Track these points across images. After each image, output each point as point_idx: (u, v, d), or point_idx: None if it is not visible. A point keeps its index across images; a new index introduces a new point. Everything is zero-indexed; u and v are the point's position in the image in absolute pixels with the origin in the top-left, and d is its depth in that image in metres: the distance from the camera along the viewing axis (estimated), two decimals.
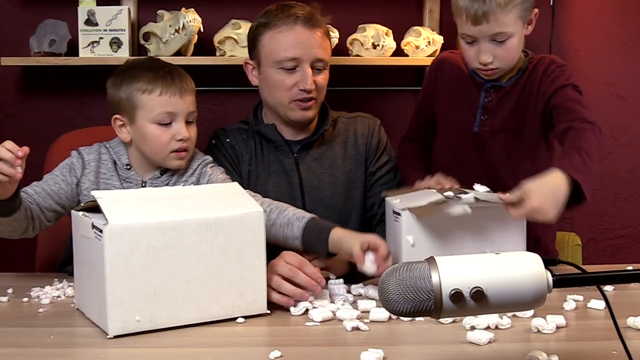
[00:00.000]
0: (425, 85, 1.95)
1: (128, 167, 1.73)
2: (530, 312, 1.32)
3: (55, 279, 1.62)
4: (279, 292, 1.41)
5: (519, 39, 1.71)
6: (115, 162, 1.73)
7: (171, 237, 1.29)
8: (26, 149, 1.40)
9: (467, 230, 1.50)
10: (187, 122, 1.71)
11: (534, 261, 0.90)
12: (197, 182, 1.73)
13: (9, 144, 1.39)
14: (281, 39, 1.74)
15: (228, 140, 1.83)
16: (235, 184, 1.49)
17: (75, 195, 1.70)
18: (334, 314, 1.35)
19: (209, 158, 1.79)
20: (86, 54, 2.35)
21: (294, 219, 1.59)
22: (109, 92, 1.73)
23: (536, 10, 1.72)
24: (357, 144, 1.87)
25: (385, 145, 1.90)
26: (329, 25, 2.41)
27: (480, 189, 1.54)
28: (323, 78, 1.80)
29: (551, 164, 1.61)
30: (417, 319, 1.31)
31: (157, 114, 1.66)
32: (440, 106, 1.88)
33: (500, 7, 1.64)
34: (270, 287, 1.41)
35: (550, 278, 0.90)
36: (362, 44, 2.44)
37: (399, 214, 1.52)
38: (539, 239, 1.83)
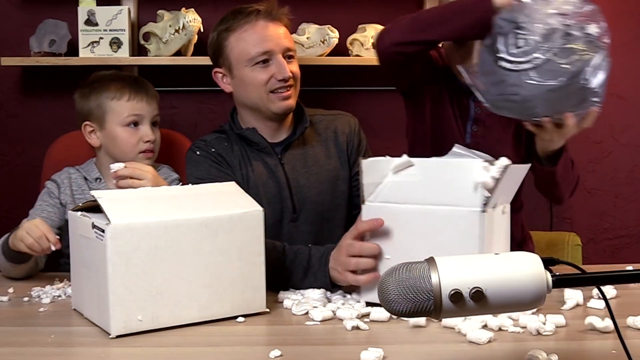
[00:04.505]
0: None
1: (98, 180, 1.90)
2: (530, 312, 1.32)
3: (56, 279, 1.63)
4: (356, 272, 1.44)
5: None
6: (85, 178, 1.91)
7: (172, 236, 1.29)
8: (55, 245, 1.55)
9: (419, 232, 1.39)
10: (152, 125, 1.91)
11: (534, 261, 0.91)
12: None
13: (42, 225, 1.55)
14: (248, 37, 1.75)
15: (214, 150, 1.81)
16: (233, 183, 1.49)
17: (63, 213, 1.85)
18: (334, 313, 1.36)
19: (176, 175, 1.96)
20: (86, 54, 2.35)
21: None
22: (77, 103, 1.92)
23: None
24: (338, 142, 1.87)
25: (365, 146, 1.91)
26: (329, 25, 2.42)
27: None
28: (296, 67, 1.81)
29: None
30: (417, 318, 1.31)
31: (126, 117, 1.86)
32: (429, 112, 1.82)
33: None
34: (349, 272, 1.44)
35: (550, 278, 0.90)
36: (362, 44, 2.45)
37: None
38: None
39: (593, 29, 1.48)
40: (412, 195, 1.38)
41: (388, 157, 1.42)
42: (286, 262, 1.55)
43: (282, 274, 1.54)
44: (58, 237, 1.55)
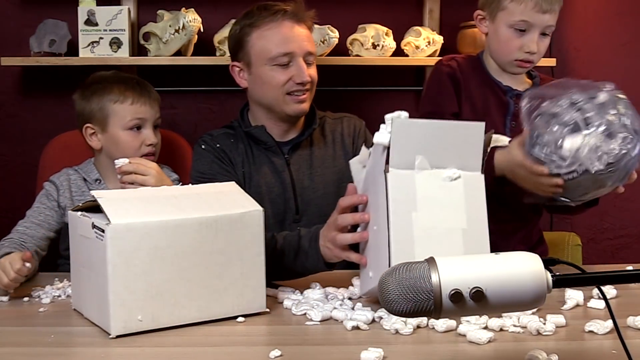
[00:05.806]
0: (446, 86, 1.82)
1: (98, 181, 1.89)
2: (530, 312, 1.32)
3: (56, 279, 1.63)
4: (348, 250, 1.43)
5: None
6: (85, 179, 1.90)
7: (172, 236, 1.29)
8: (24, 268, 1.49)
9: (376, 201, 1.37)
10: (154, 128, 1.89)
11: (534, 261, 0.91)
12: None
13: (16, 263, 1.48)
14: (271, 36, 1.75)
15: (218, 145, 1.82)
16: (233, 183, 1.49)
17: (61, 216, 1.83)
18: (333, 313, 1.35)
19: (175, 176, 1.95)
20: (86, 54, 2.35)
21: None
22: (78, 104, 1.90)
23: None
24: (344, 144, 1.88)
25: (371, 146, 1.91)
26: (329, 25, 2.42)
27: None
28: (314, 71, 1.82)
29: None
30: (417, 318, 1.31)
31: (129, 121, 1.85)
32: (470, 109, 1.81)
33: None
34: (339, 248, 1.43)
35: (550, 278, 0.90)
36: (362, 44, 2.44)
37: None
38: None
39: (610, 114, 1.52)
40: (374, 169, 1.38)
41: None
42: (277, 246, 1.55)
43: (273, 259, 1.52)
44: (30, 262, 1.50)
